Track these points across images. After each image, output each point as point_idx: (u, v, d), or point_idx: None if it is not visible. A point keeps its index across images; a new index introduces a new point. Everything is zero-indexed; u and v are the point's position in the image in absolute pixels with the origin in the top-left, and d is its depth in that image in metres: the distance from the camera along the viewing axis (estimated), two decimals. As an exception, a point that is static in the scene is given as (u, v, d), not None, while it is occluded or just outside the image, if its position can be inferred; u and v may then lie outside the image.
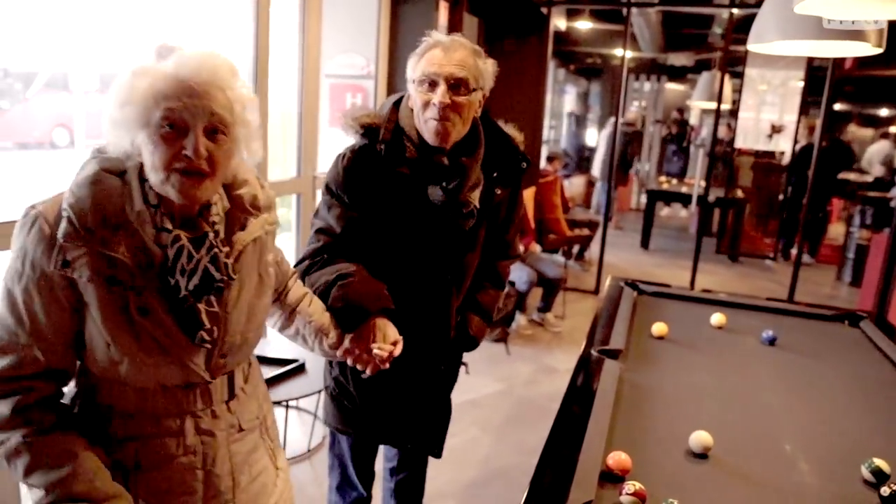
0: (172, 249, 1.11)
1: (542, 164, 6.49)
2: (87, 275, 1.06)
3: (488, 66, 1.73)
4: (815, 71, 7.24)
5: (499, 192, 1.79)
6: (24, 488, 1.82)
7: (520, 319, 4.61)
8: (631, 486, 1.32)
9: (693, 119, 11.99)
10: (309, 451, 2.94)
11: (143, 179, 1.11)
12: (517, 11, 5.54)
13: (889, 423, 1.81)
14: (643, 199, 9.21)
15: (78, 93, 7.31)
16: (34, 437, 1.07)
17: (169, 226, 1.11)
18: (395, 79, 4.70)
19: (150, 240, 1.10)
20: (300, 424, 3.02)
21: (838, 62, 7.97)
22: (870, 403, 1.94)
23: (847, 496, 1.43)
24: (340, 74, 4.72)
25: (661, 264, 7.03)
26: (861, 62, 8.09)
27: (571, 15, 8.63)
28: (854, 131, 11.88)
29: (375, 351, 1.45)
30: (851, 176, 9.22)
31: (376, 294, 1.57)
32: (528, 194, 5.45)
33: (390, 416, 1.88)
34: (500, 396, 3.66)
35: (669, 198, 8.53)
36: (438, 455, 2.05)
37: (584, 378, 1.90)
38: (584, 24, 9.19)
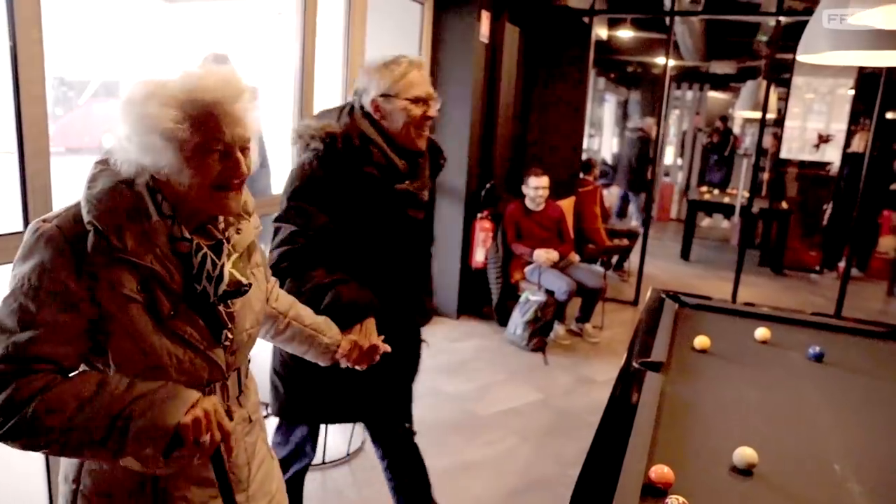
0: (197, 258, 1.17)
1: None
2: (120, 286, 1.09)
3: None
4: (866, 79, 7.07)
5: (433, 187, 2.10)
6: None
7: (558, 329, 4.59)
8: (674, 500, 1.31)
9: (736, 128, 11.79)
10: (348, 455, 2.98)
11: (152, 191, 1.14)
12: (559, 21, 5.54)
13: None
14: (685, 209, 9.08)
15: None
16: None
17: (187, 235, 1.17)
18: (437, 88, 4.73)
19: (167, 249, 1.15)
20: (339, 429, 3.05)
21: (892, 69, 7.76)
22: (922, 424, 1.89)
23: (898, 518, 1.40)
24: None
25: (702, 276, 6.93)
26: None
27: (613, 24, 8.59)
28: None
29: (378, 343, 1.60)
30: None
31: (368, 296, 1.79)
32: (568, 204, 5.44)
33: (371, 395, 2.05)
34: (539, 406, 3.65)
35: (711, 208, 8.39)
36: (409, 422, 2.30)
37: (626, 390, 1.89)
38: (625, 34, 9.13)
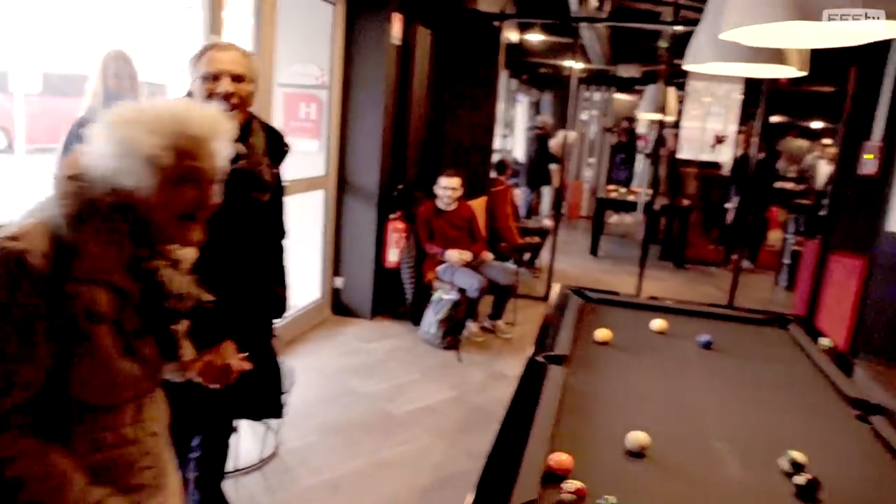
0: (163, 276, 1.22)
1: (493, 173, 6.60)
2: (95, 304, 1.11)
3: (258, 64, 2.10)
4: (753, 84, 7.54)
5: (275, 170, 2.18)
6: None
7: (471, 327, 4.69)
8: (571, 484, 1.40)
9: (643, 129, 12.30)
10: (261, 461, 2.95)
11: (123, 211, 1.16)
12: (469, 25, 5.65)
13: (807, 419, 1.94)
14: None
15: (18, 95, 7.11)
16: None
17: (149, 255, 1.21)
18: (350, 89, 4.75)
19: (132, 269, 1.18)
20: (251, 434, 3.02)
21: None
22: (791, 400, 2.08)
23: (767, 487, 1.54)
24: (295, 84, 4.75)
25: (610, 271, 7.22)
26: (793, 79, 8.45)
27: (524, 28, 8.81)
28: (791, 142, 12.39)
29: (233, 363, 1.53)
30: (789, 185, 9.62)
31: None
32: (480, 203, 5.55)
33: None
34: (453, 403, 3.72)
35: (617, 206, 8.75)
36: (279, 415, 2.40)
37: (530, 384, 1.97)
38: (535, 37, 9.38)
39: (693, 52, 2.47)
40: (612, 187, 9.41)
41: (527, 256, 6.66)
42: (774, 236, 8.60)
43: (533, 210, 9.23)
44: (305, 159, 4.65)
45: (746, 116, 8.34)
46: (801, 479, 1.52)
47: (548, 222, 8.68)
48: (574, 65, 6.52)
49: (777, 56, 2.28)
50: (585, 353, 2.32)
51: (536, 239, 6.56)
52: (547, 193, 9.86)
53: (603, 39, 9.48)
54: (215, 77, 1.94)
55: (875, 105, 4.85)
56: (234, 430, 2.39)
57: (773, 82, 5.64)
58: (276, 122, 4.52)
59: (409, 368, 4.14)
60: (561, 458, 1.51)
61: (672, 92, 7.83)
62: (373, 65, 4.70)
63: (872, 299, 4.92)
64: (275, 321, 2.31)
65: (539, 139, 8.96)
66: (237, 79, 1.96)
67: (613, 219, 10.58)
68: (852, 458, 1.73)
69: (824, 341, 2.55)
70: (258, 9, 3.66)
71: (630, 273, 6.41)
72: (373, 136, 4.75)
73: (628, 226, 10.03)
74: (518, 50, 9.92)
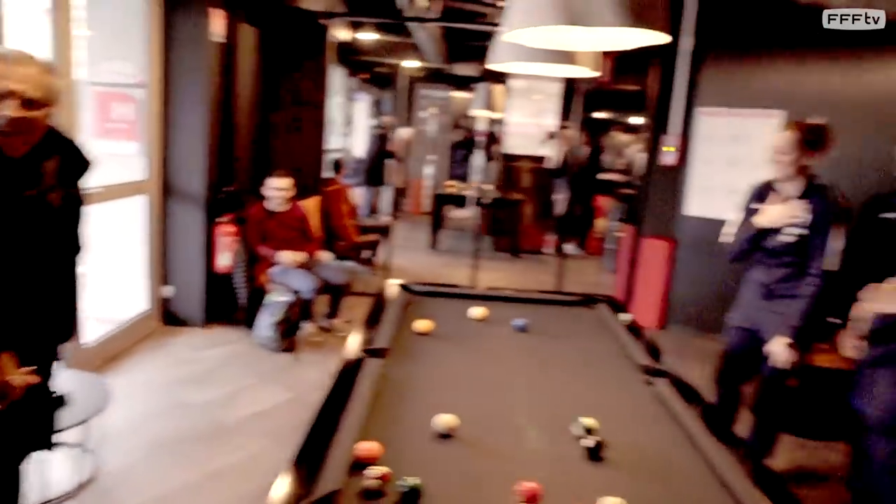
0: None
1: (329, 172, 6.56)
2: None
3: (58, 82, 1.81)
4: (569, 82, 8.05)
5: (72, 190, 1.93)
6: None
7: (307, 327, 4.65)
8: (374, 470, 1.44)
9: (482, 126, 12.73)
10: (77, 487, 2.75)
11: None
12: (296, 22, 5.57)
13: (602, 387, 2.13)
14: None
15: None
16: None
17: None
18: (170, 88, 4.52)
19: None
20: (63, 459, 2.81)
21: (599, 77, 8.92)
22: (591, 373, 2.27)
23: (561, 452, 1.67)
24: (108, 83, 4.45)
25: (450, 264, 7.42)
26: (616, 76, 9.14)
27: (356, 27, 8.82)
28: (615, 136, 13.40)
29: (14, 379, 1.42)
30: (612, 176, 10.37)
31: None
32: (314, 203, 5.50)
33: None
34: (289, 405, 3.67)
35: (454, 201, 9.01)
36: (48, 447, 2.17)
37: (346, 378, 2.00)
38: (368, 36, 9.42)
39: (495, 53, 2.61)
40: (450, 183, 9.68)
41: (367, 254, 6.69)
42: (602, 224, 9.26)
43: (374, 208, 9.30)
44: (123, 163, 4.38)
45: (569, 114, 8.88)
46: (589, 442, 1.66)
47: (387, 220, 8.79)
48: (408, 64, 6.64)
49: (568, 57, 2.47)
50: (406, 345, 2.39)
51: (375, 237, 6.61)
52: (387, 191, 9.96)
53: (437, 39, 9.71)
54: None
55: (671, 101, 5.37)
56: (27, 455, 2.12)
57: (590, 81, 6.08)
58: (85, 123, 4.21)
59: (243, 374, 4.03)
60: (368, 447, 1.55)
61: (499, 90, 8.18)
62: (193, 63, 4.51)
63: (679, 276, 5.46)
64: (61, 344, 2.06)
65: (380, 138, 9.04)
66: (29, 103, 1.69)
67: (454, 214, 10.90)
68: (637, 418, 1.92)
69: (624, 316, 2.80)
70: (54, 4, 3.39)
71: (469, 265, 6.63)
72: (196, 137, 4.56)
73: (468, 220, 10.37)
74: (355, 48, 9.92)
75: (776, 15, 4.94)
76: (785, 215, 2.69)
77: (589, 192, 9.09)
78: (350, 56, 10.35)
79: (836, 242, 2.68)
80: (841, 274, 2.70)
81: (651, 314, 5.46)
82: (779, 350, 2.71)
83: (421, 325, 2.52)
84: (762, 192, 2.87)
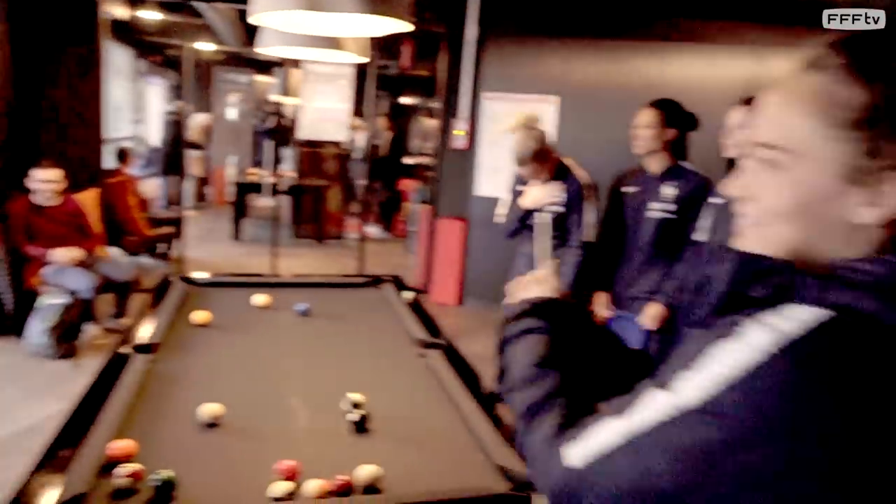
0: None
1: (112, 162, 6.09)
2: None
3: None
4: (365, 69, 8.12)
5: None
6: None
7: (91, 330, 4.31)
8: (124, 468, 1.39)
9: (284, 111, 12.44)
10: None
11: None
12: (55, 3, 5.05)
13: (377, 363, 2.22)
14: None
15: None
16: None
17: None
18: None
19: None
20: None
21: (399, 63, 9.08)
22: (369, 350, 2.35)
23: (329, 428, 1.73)
24: None
25: (254, 253, 7.22)
26: (417, 62, 9.35)
27: (135, 3, 8.20)
28: (421, 121, 13.77)
29: None
30: (418, 160, 10.65)
31: None
32: (92, 195, 5.08)
33: None
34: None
35: (255, 189, 8.75)
36: None
37: (108, 377, 1.90)
38: (151, 14, 8.79)
39: (261, 37, 2.58)
40: (252, 171, 9.39)
41: (163, 248, 6.32)
42: (407, 208, 9.50)
43: (172, 200, 8.77)
44: None
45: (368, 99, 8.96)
46: (354, 416, 1.73)
47: (188, 212, 8.36)
48: (203, 46, 6.29)
49: (334, 43, 2.51)
50: (181, 338, 2.31)
51: (170, 229, 6.26)
52: (188, 181, 9.45)
53: (234, 21, 9.29)
54: None
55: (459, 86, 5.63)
56: None
57: (385, 67, 6.19)
58: None
59: (11, 388, 3.66)
60: (121, 445, 1.49)
61: (298, 74, 8.06)
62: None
63: (473, 253, 5.77)
64: None
65: (175, 125, 8.51)
66: None
67: (260, 202, 10.59)
68: (406, 390, 2.03)
69: (407, 294, 2.92)
70: None
71: (273, 254, 6.50)
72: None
73: (275, 208, 10.14)
74: (139, 28, 9.23)
75: (551, 3, 5.35)
76: (544, 196, 2.96)
77: (393, 176, 9.27)
78: (136, 36, 9.62)
79: (590, 216, 3.00)
80: (597, 244, 3.03)
81: (450, 291, 5.73)
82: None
83: (198, 316, 2.44)
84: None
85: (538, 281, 1.02)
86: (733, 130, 2.45)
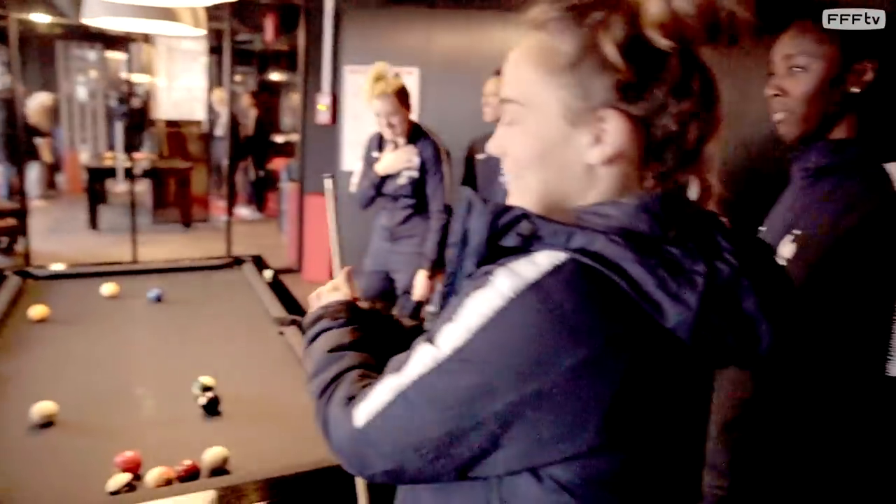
0: None
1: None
2: None
3: None
4: (238, 44, 7.79)
5: None
6: None
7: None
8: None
9: (141, 90, 11.68)
10: None
11: None
12: None
13: (233, 345, 2.17)
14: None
15: None
16: None
17: None
18: None
19: None
20: None
21: (263, 37, 8.72)
22: (224, 333, 2.29)
23: (180, 414, 1.68)
24: None
25: (114, 242, 6.78)
26: (282, 36, 9.03)
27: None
28: (293, 98, 13.35)
29: None
30: (282, 138, 10.34)
31: None
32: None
33: None
34: None
35: (109, 174, 8.20)
36: None
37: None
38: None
39: (87, 6, 2.41)
40: (109, 154, 8.79)
41: (4, 242, 5.82)
42: (284, 188, 9.22)
43: (15, 189, 8.04)
44: None
45: (231, 76, 8.60)
46: (203, 399, 1.69)
47: (36, 202, 7.75)
48: (37, 17, 5.71)
49: (168, 14, 2.38)
50: (15, 336, 2.15)
51: (12, 221, 5.76)
52: (34, 168, 8.68)
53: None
54: None
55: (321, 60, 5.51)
56: None
57: (248, 42, 5.94)
58: None
59: None
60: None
61: (151, 50, 7.61)
62: None
63: (342, 228, 5.70)
64: None
65: (7, 105, 7.75)
66: None
67: (119, 188, 9.94)
68: (262, 369, 2.00)
69: (267, 273, 2.86)
70: None
71: (134, 242, 6.15)
72: None
73: (133, 193, 9.56)
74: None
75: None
76: (400, 161, 2.96)
77: (263, 155, 8.98)
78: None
79: (447, 180, 3.03)
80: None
81: (321, 267, 5.66)
82: (419, 283, 3.00)
83: (34, 311, 2.28)
84: (379, 142, 3.11)
85: (334, 288, 1.04)
86: (489, 97, 2.74)
